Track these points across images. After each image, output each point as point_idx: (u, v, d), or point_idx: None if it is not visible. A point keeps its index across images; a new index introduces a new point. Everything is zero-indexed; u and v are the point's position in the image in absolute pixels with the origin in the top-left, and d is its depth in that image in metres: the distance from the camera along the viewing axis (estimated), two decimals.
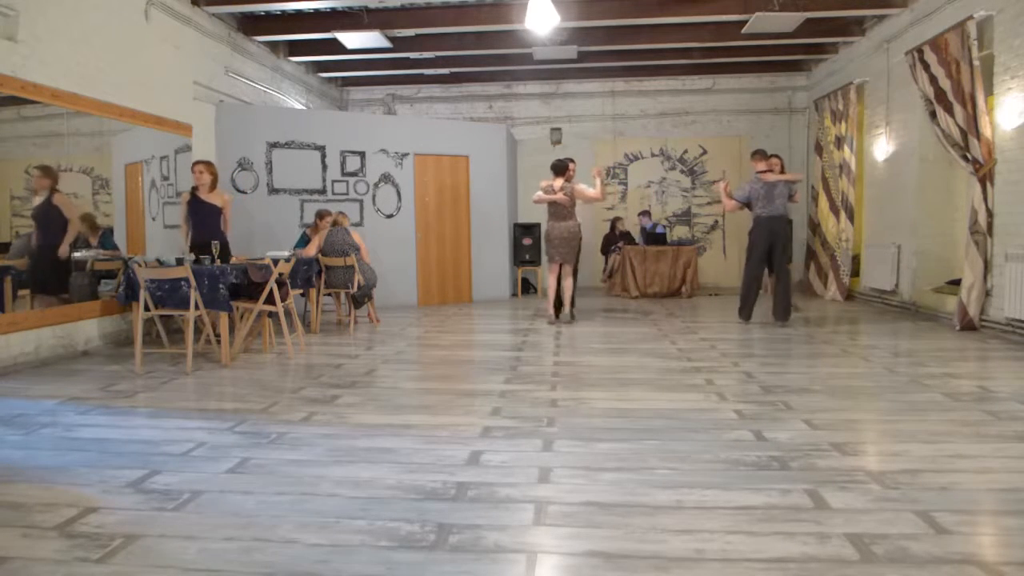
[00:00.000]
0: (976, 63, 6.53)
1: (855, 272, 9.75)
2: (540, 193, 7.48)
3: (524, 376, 4.82)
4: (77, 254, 5.96)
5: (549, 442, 3.27)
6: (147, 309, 5.16)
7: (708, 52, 10.33)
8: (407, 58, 10.49)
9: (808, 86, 11.66)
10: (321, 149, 8.89)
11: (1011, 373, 4.83)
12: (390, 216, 9.35)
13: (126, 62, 6.32)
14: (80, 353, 5.79)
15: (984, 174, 6.59)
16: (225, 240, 6.17)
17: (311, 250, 7.15)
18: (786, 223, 7.11)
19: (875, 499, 2.50)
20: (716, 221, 12.08)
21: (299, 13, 8.79)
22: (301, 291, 6.72)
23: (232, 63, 8.71)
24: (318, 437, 3.37)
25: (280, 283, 5.71)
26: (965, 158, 6.80)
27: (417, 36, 9.59)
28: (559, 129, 12.17)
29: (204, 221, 6.21)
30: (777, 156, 7.52)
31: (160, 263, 5.44)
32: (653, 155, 12.12)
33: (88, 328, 5.93)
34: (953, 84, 6.83)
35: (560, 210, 7.37)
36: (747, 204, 7.19)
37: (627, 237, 11.33)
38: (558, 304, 7.64)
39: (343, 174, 9.04)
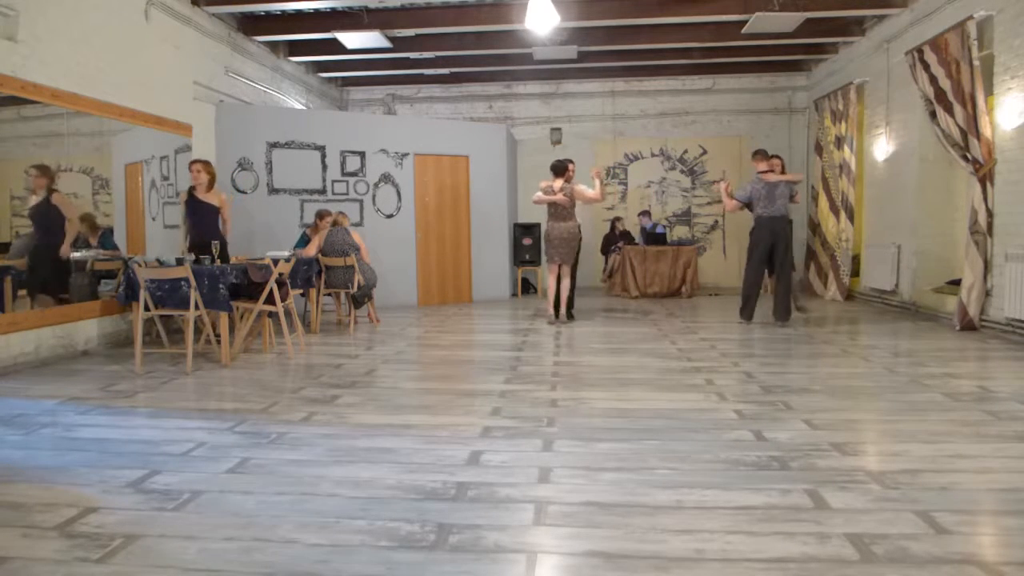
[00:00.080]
0: (976, 63, 6.53)
1: (855, 272, 9.75)
2: (540, 194, 7.48)
3: (524, 376, 4.82)
4: (77, 254, 5.96)
5: (549, 442, 3.27)
6: (147, 309, 5.16)
7: (708, 52, 10.33)
8: (407, 58, 10.49)
9: (808, 86, 11.66)
10: (321, 149, 8.89)
11: (1011, 373, 4.83)
12: (390, 216, 9.35)
13: (126, 62, 6.32)
14: (80, 353, 5.79)
15: (984, 174, 6.59)
16: (224, 240, 6.16)
17: (311, 250, 7.15)
18: (787, 223, 7.10)
19: (875, 499, 2.50)
20: (716, 221, 12.08)
21: (299, 13, 8.79)
22: (301, 291, 6.72)
23: (232, 63, 8.71)
24: (318, 437, 3.37)
25: (280, 283, 5.71)
26: (965, 158, 6.80)
27: (417, 36, 9.59)
28: (559, 129, 12.17)
29: (202, 221, 6.21)
30: (778, 156, 7.54)
31: (160, 263, 5.44)
32: (653, 155, 12.12)
33: (88, 328, 5.92)
34: (953, 84, 6.83)
35: (560, 211, 7.38)
36: (748, 204, 7.20)
37: (627, 237, 11.33)
38: (558, 304, 7.64)
39: (343, 174, 9.04)
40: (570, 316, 7.75)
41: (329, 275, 7.22)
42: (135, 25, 6.54)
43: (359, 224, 8.95)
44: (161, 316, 5.49)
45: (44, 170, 5.61)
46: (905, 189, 8.41)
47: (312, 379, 4.78)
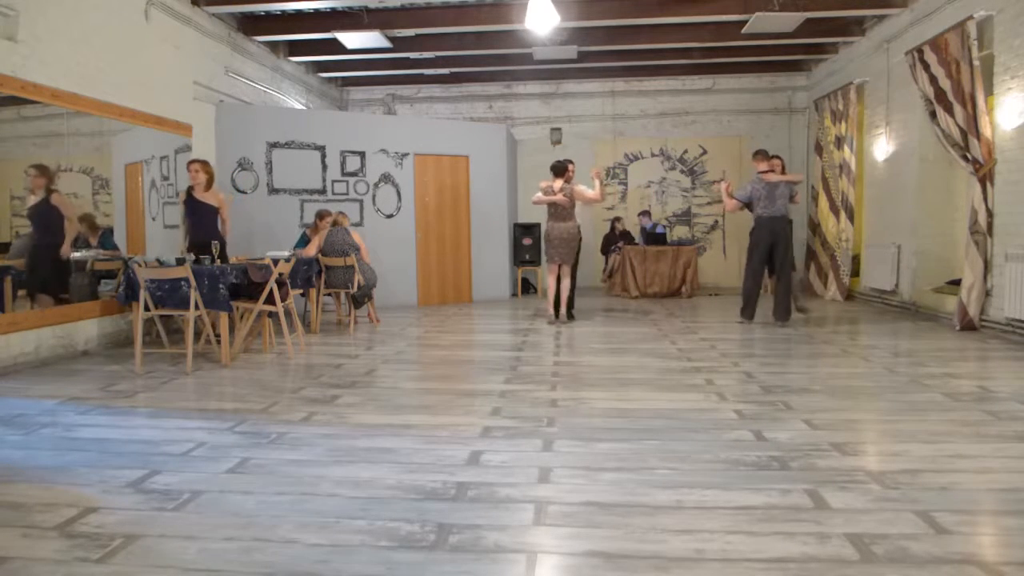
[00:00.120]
0: (976, 63, 6.53)
1: (855, 272, 9.75)
2: (539, 194, 7.49)
3: (524, 376, 4.82)
4: (77, 254, 5.96)
5: (549, 442, 3.27)
6: (147, 309, 5.16)
7: (708, 52, 10.33)
8: (407, 58, 10.49)
9: (808, 86, 11.66)
10: (321, 149, 8.89)
11: (1011, 373, 4.83)
12: (390, 216, 9.35)
13: (126, 62, 6.32)
14: (80, 353, 5.79)
15: (984, 174, 6.59)
16: (223, 240, 6.16)
17: (311, 250, 7.15)
18: (787, 223, 7.11)
19: (875, 499, 2.50)
20: (716, 221, 12.08)
21: (299, 13, 8.79)
22: (301, 291, 6.72)
23: (232, 63, 8.71)
24: (318, 437, 3.37)
25: (280, 283, 5.71)
26: (965, 158, 6.80)
27: (417, 36, 9.59)
28: (559, 129, 12.18)
29: (201, 221, 6.21)
30: (778, 157, 7.54)
31: (160, 263, 5.44)
32: (653, 155, 12.12)
33: (88, 328, 5.92)
34: (953, 84, 6.84)
35: (560, 211, 7.38)
36: (748, 204, 7.20)
37: (627, 237, 11.33)
38: (558, 304, 7.64)
39: (343, 174, 9.04)
40: (570, 316, 7.75)
41: (329, 275, 7.22)
42: (135, 25, 6.54)
43: (359, 224, 8.95)
44: (161, 316, 5.49)
45: (43, 170, 5.61)
46: (905, 189, 8.41)
47: (312, 379, 4.78)
